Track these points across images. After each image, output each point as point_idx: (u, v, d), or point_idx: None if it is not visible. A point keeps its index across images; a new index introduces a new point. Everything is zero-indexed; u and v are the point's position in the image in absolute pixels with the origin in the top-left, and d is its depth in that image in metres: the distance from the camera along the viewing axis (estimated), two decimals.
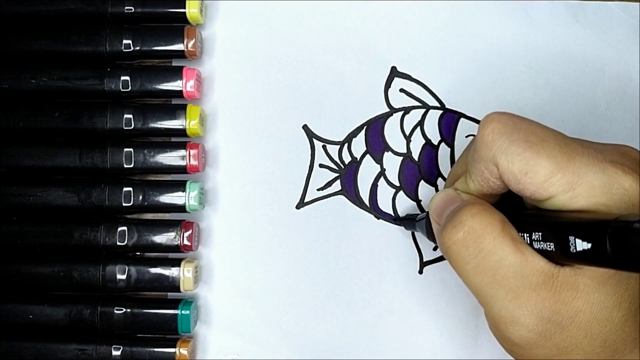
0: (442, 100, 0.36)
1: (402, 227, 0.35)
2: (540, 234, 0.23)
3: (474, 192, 0.27)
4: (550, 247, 0.23)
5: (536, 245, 0.24)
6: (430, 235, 0.30)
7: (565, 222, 0.22)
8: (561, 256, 0.23)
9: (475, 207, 0.25)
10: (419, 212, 0.34)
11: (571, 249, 0.21)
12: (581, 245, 0.21)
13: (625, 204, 0.23)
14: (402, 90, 0.36)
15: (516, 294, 0.24)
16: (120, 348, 0.32)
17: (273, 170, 0.35)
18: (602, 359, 0.24)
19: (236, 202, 0.35)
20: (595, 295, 0.23)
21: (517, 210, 0.26)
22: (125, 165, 0.33)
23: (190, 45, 0.34)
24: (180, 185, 0.33)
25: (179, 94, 0.34)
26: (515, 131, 0.24)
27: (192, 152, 0.33)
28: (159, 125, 0.33)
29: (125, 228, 0.33)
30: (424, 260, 0.35)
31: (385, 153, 0.35)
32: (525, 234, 0.24)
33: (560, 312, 0.23)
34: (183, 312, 0.33)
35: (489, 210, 0.25)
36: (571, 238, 0.21)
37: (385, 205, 0.35)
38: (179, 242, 0.33)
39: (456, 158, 0.35)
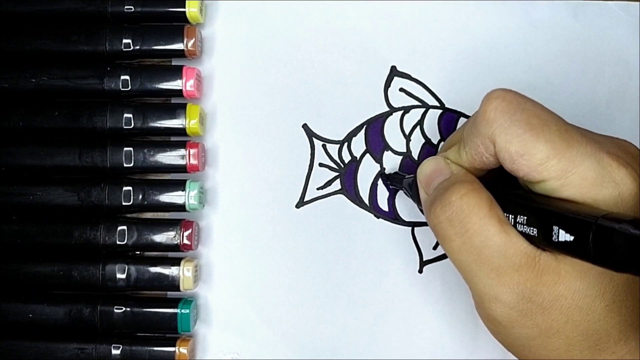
0: (442, 100, 0.36)
1: (401, 226, 0.35)
2: (525, 217, 0.24)
3: (465, 163, 0.27)
4: (533, 232, 0.23)
5: (520, 228, 0.24)
6: (416, 199, 0.30)
7: (551, 211, 0.23)
8: (543, 242, 0.23)
9: (464, 187, 0.25)
10: (405, 175, 0.33)
11: (553, 238, 0.22)
12: (564, 236, 0.21)
13: (614, 198, 0.23)
14: (401, 89, 0.36)
15: (499, 273, 0.24)
16: (120, 347, 0.32)
17: (273, 170, 0.35)
18: (583, 347, 0.24)
19: (236, 201, 0.35)
20: (577, 283, 0.24)
21: (504, 187, 0.26)
22: (125, 165, 0.33)
23: (190, 44, 0.34)
24: (180, 185, 0.33)
25: (178, 93, 0.34)
26: (518, 111, 0.24)
27: (192, 151, 0.33)
28: (158, 125, 0.33)
29: (125, 227, 0.33)
30: (424, 259, 0.35)
31: (385, 152, 0.35)
32: (510, 215, 0.25)
33: (542, 294, 0.24)
34: (183, 311, 0.33)
35: (477, 190, 0.25)
36: (555, 228, 0.22)
37: (385, 204, 0.35)
38: (178, 241, 0.33)
39: None
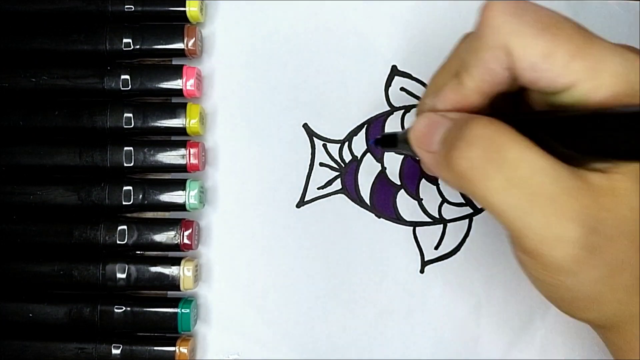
0: None
1: (403, 225, 0.35)
2: (557, 135, 0.21)
3: (473, 93, 0.23)
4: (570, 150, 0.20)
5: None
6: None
7: (590, 114, 0.20)
8: (587, 155, 0.20)
9: (484, 118, 0.21)
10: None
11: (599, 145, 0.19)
12: (612, 137, 0.19)
13: None
14: (402, 89, 0.35)
15: (556, 204, 0.20)
16: (120, 347, 0.32)
17: (273, 169, 0.35)
18: None
19: (236, 201, 0.35)
20: (636, 199, 0.20)
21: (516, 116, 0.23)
22: (125, 164, 0.33)
23: (190, 44, 0.34)
24: (180, 184, 0.33)
25: (179, 92, 0.34)
26: (526, 12, 0.21)
27: (192, 150, 0.33)
28: (159, 124, 0.33)
29: (125, 227, 0.33)
30: (425, 259, 0.35)
31: (386, 152, 0.35)
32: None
33: (605, 221, 0.20)
34: (183, 310, 0.33)
35: (497, 120, 0.21)
36: (598, 131, 0.19)
37: (386, 204, 0.35)
38: (179, 240, 0.33)
39: None
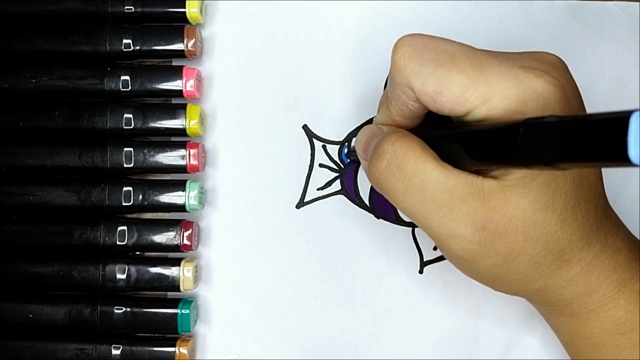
0: None
1: (402, 226, 0.35)
2: (456, 147, 0.24)
3: (397, 117, 0.27)
4: (465, 158, 0.24)
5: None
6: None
7: (479, 130, 0.23)
8: (477, 161, 0.23)
9: (394, 135, 0.25)
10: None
11: (484, 152, 0.22)
12: (495, 146, 0.22)
13: (541, 107, 0.23)
14: None
15: (447, 208, 0.24)
16: (120, 347, 0.32)
17: (273, 170, 0.35)
18: (549, 261, 0.25)
19: (236, 202, 0.35)
20: (524, 200, 0.24)
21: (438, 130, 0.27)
22: (125, 165, 0.33)
23: (190, 44, 0.34)
24: (180, 185, 0.33)
25: (178, 93, 0.34)
26: (426, 52, 0.24)
27: (192, 151, 0.33)
28: (158, 125, 0.33)
29: (125, 227, 0.33)
30: (424, 260, 0.35)
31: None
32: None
33: (494, 220, 0.24)
34: (183, 311, 0.33)
35: (407, 136, 0.25)
36: (485, 141, 0.22)
37: (385, 205, 0.35)
38: (178, 241, 0.33)
39: None
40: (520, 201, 0.24)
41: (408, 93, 0.25)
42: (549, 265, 0.25)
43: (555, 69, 0.24)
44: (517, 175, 0.23)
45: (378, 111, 0.30)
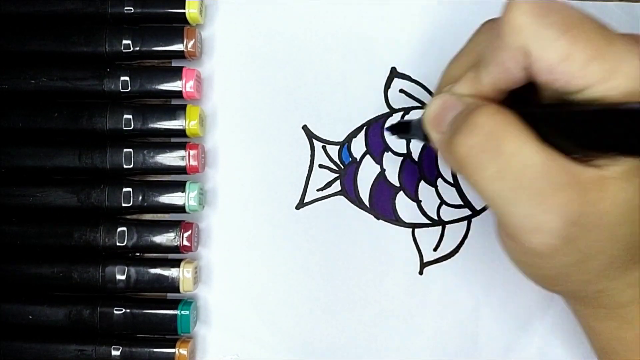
0: None
1: (402, 227, 0.35)
2: (562, 127, 0.21)
3: (489, 87, 0.24)
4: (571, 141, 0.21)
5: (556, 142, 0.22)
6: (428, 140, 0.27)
7: (594, 110, 0.21)
8: (579, 147, 0.21)
9: (491, 107, 0.22)
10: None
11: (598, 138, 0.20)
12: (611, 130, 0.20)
13: None
14: (401, 90, 0.36)
15: (542, 197, 0.21)
16: (119, 348, 0.32)
17: (273, 171, 0.35)
18: (621, 262, 0.23)
19: (236, 203, 0.35)
20: (622, 195, 0.22)
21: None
22: (124, 166, 0.33)
23: (189, 45, 0.34)
24: (180, 186, 0.33)
25: (178, 94, 0.34)
26: (551, 12, 0.21)
27: (192, 152, 0.33)
28: (158, 126, 0.33)
29: (124, 229, 0.33)
30: (424, 260, 0.35)
31: (385, 153, 0.35)
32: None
33: (587, 214, 0.21)
34: (183, 312, 0.33)
35: (506, 110, 0.22)
36: (599, 126, 0.20)
37: (385, 205, 0.35)
38: (178, 242, 0.33)
39: None
40: (618, 196, 0.21)
41: (518, 59, 0.22)
42: (619, 267, 0.23)
43: None
44: (622, 168, 0.21)
45: (443, 77, 0.28)
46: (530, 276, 0.25)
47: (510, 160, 0.22)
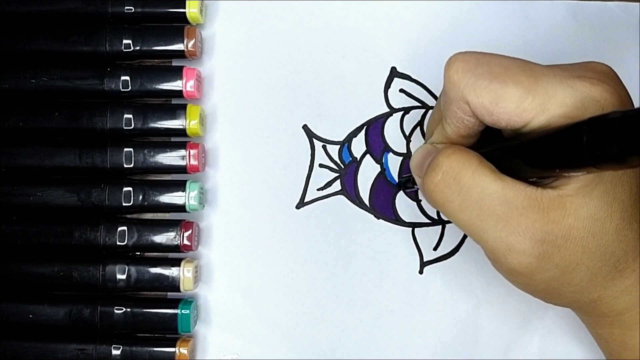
0: None
1: (402, 226, 0.35)
2: (515, 157, 0.24)
3: (453, 135, 0.27)
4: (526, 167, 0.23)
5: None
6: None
7: (540, 136, 0.23)
8: (533, 169, 0.23)
9: (450, 149, 0.25)
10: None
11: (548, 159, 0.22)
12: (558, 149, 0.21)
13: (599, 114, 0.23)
14: (401, 90, 0.36)
15: (505, 221, 0.24)
16: (120, 347, 0.32)
17: (273, 170, 0.35)
18: (604, 273, 0.25)
19: (236, 202, 0.35)
20: (583, 210, 0.23)
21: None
22: (125, 165, 0.33)
23: (190, 45, 0.34)
24: (180, 185, 0.33)
25: (179, 93, 0.34)
26: (479, 65, 0.24)
27: (192, 152, 0.33)
28: (159, 125, 0.33)
29: (125, 228, 0.33)
30: (424, 260, 0.35)
31: (386, 153, 0.35)
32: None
33: (553, 232, 0.24)
34: (183, 311, 0.33)
35: (463, 149, 0.25)
36: (549, 148, 0.22)
37: (385, 205, 0.35)
38: (178, 242, 0.33)
39: None
40: (580, 211, 0.23)
41: (464, 108, 0.25)
42: (605, 277, 0.25)
43: (609, 77, 0.24)
44: (578, 185, 0.23)
45: (427, 131, 0.31)
46: (525, 291, 0.27)
47: (469, 192, 0.24)
